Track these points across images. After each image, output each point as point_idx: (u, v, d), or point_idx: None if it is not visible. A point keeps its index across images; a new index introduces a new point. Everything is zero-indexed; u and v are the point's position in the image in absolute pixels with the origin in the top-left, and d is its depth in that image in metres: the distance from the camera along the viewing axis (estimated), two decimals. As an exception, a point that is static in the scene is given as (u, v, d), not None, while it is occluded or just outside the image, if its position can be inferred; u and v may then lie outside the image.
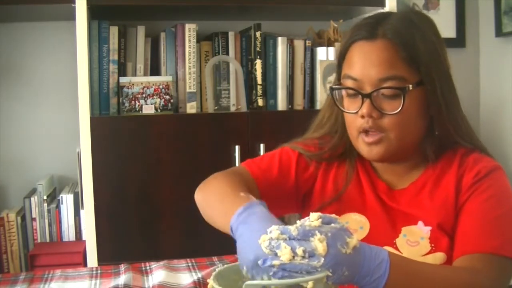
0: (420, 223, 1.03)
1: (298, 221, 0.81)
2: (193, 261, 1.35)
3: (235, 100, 2.22)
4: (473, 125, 1.09)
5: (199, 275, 1.24)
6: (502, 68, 2.63)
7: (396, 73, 0.98)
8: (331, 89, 1.08)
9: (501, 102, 2.65)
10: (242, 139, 2.07)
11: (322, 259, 0.75)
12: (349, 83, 1.03)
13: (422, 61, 0.99)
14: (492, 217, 0.98)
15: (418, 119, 1.02)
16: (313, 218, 0.80)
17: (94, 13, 2.02)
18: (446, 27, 2.72)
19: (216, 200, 1.01)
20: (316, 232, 0.77)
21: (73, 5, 1.90)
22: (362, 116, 1.01)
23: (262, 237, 0.78)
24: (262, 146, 2.06)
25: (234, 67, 2.20)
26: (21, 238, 2.12)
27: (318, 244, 0.76)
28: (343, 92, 1.05)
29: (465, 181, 1.03)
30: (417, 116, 1.02)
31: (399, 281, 0.81)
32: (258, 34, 2.18)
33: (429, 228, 1.02)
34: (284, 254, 0.76)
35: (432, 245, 1.01)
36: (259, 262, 0.78)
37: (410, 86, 0.98)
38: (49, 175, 2.28)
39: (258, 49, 2.19)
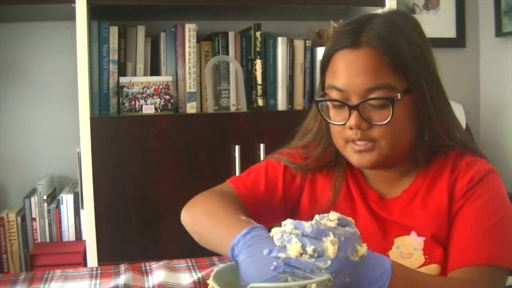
0: (413, 233, 1.01)
1: (317, 216, 0.80)
2: (193, 261, 1.35)
3: (235, 100, 2.22)
4: (473, 125, 1.08)
5: (199, 275, 1.24)
6: (502, 68, 2.63)
7: (383, 82, 0.95)
8: (316, 101, 1.05)
9: (501, 102, 2.65)
10: (242, 139, 2.07)
11: (329, 262, 0.74)
12: (334, 94, 0.99)
13: (409, 68, 0.96)
14: (487, 226, 0.95)
15: (408, 126, 0.99)
16: (332, 217, 0.79)
17: (94, 13, 2.02)
18: (446, 27, 2.72)
19: (209, 222, 0.99)
20: (330, 233, 0.76)
21: (73, 5, 1.90)
22: (351, 128, 0.98)
23: (274, 230, 0.78)
24: (262, 146, 2.06)
25: (234, 67, 2.20)
26: (21, 238, 2.12)
27: (330, 245, 0.75)
28: (329, 102, 1.02)
29: (458, 188, 1.00)
30: (407, 123, 0.99)
31: None
32: (258, 34, 2.18)
33: (422, 238, 1.00)
34: (293, 249, 0.75)
35: (426, 256, 0.99)
36: (265, 251, 0.77)
37: (399, 95, 0.95)
38: (49, 175, 2.28)
39: (258, 49, 2.19)
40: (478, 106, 2.76)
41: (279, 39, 2.23)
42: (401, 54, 0.96)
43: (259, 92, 2.21)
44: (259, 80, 2.20)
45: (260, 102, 2.22)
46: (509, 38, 2.58)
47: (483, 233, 0.95)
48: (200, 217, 1.03)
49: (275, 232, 0.78)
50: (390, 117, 0.95)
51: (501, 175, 1.04)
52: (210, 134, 2.07)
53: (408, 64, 0.96)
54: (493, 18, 2.63)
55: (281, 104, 2.25)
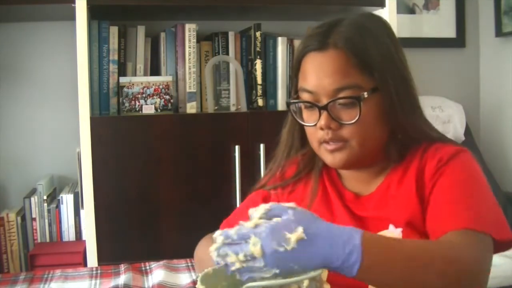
0: (391, 226, 1.00)
1: (250, 209, 0.81)
2: (193, 261, 1.35)
3: (235, 100, 2.22)
4: (473, 125, 1.08)
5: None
6: (502, 68, 2.63)
7: (350, 82, 0.97)
8: (288, 103, 1.07)
9: (501, 102, 2.65)
10: (242, 139, 2.07)
11: (262, 261, 0.75)
12: (305, 96, 1.02)
13: (375, 67, 0.98)
14: (462, 197, 0.95)
15: (378, 125, 1.01)
16: (259, 212, 0.80)
17: (94, 13, 2.02)
18: (446, 27, 2.72)
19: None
20: (251, 234, 0.76)
21: (73, 5, 1.90)
22: (321, 128, 1.00)
23: (211, 247, 0.78)
24: (262, 146, 2.06)
25: (234, 67, 2.20)
26: (21, 238, 2.12)
27: (252, 247, 0.75)
28: (301, 104, 1.04)
29: (427, 170, 1.00)
30: (376, 122, 1.00)
31: (375, 264, 0.78)
32: (258, 34, 2.19)
33: (400, 229, 0.99)
34: (233, 261, 0.75)
35: None
36: (226, 269, 0.77)
37: (365, 93, 0.97)
38: (49, 175, 2.28)
39: (258, 49, 2.19)
40: (478, 106, 2.76)
41: (279, 39, 2.23)
42: (367, 54, 0.98)
43: (259, 92, 2.21)
44: (259, 80, 2.20)
45: (260, 102, 2.22)
46: (509, 38, 2.58)
47: (458, 203, 0.94)
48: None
49: (213, 249, 0.78)
50: (358, 116, 0.97)
51: (501, 174, 1.04)
52: (210, 134, 2.07)
53: (374, 63, 0.98)
54: (493, 18, 2.63)
55: (281, 104, 2.25)
